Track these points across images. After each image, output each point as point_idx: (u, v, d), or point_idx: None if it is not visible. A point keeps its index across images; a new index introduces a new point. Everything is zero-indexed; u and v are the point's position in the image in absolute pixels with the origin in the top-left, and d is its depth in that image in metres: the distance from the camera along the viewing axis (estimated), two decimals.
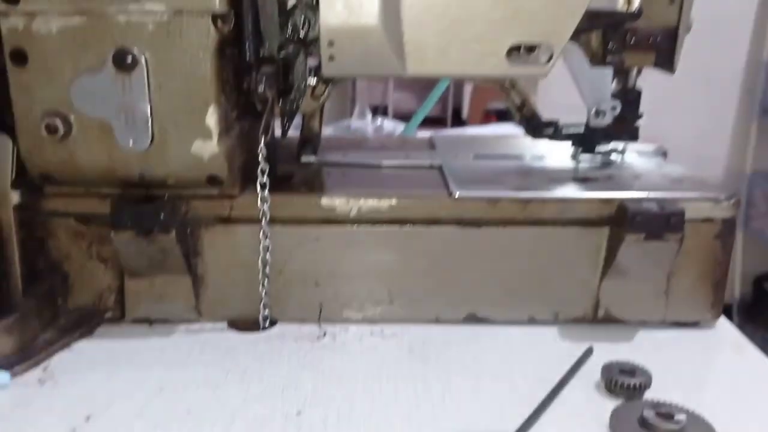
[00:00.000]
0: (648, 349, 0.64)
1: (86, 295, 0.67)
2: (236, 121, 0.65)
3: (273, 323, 0.67)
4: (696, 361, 0.62)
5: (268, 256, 0.64)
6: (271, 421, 0.52)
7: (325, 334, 0.65)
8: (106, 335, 0.65)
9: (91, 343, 0.64)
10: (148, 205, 0.61)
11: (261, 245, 0.64)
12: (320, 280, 0.67)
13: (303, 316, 0.67)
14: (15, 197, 0.62)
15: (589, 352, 0.62)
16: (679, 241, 0.63)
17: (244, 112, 0.67)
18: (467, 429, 0.51)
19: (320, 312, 0.67)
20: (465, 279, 0.67)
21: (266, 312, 0.66)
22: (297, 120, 0.74)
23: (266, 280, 0.65)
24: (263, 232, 0.64)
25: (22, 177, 0.62)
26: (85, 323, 0.65)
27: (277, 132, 0.70)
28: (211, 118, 0.60)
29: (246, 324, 0.66)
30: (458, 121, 3.22)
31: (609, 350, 0.63)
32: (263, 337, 0.65)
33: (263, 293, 0.65)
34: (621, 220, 0.64)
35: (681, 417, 0.50)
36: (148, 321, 0.67)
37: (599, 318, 0.68)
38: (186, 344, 0.63)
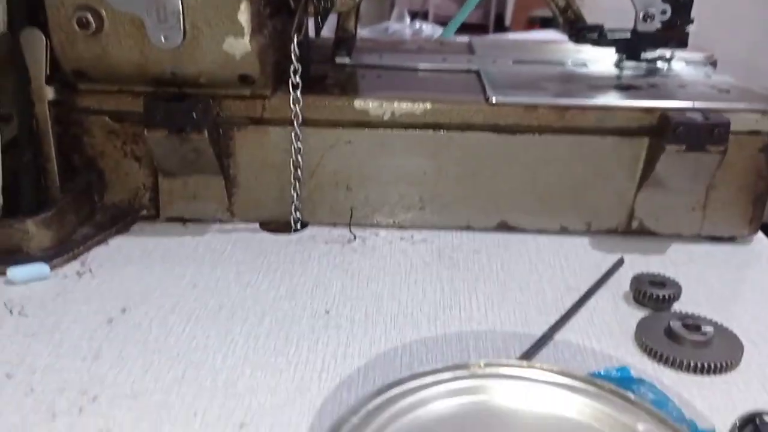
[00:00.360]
0: (680, 262, 0.63)
1: (121, 192, 0.68)
2: (269, 19, 0.64)
3: (304, 226, 0.67)
4: (728, 276, 0.61)
5: (299, 158, 0.64)
6: (300, 318, 0.53)
7: (355, 238, 0.66)
8: (141, 233, 0.66)
9: (127, 239, 0.65)
10: (180, 104, 0.61)
11: (293, 147, 0.64)
12: (351, 183, 0.66)
13: (334, 220, 0.68)
14: (50, 93, 0.62)
15: (619, 263, 0.61)
16: (722, 154, 0.61)
17: (277, 10, 0.65)
18: (492, 331, 0.52)
19: (351, 216, 0.67)
20: (498, 186, 0.66)
21: (297, 214, 0.66)
22: (332, 20, 0.72)
23: (297, 182, 0.65)
24: (295, 134, 0.63)
25: (56, 73, 0.62)
26: (120, 220, 0.67)
27: (311, 32, 0.69)
28: (243, 15, 0.59)
29: (277, 225, 0.67)
30: (501, 27, 3.12)
31: (640, 262, 0.62)
32: (294, 239, 0.66)
33: (294, 195, 0.65)
34: (662, 131, 0.62)
35: (708, 329, 0.50)
36: (182, 220, 0.68)
37: (633, 230, 0.67)
38: (219, 243, 0.65)
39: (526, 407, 0.24)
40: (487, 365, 0.26)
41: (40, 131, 0.62)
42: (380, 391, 0.25)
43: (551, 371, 0.26)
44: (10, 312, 0.53)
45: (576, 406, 0.24)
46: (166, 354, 0.49)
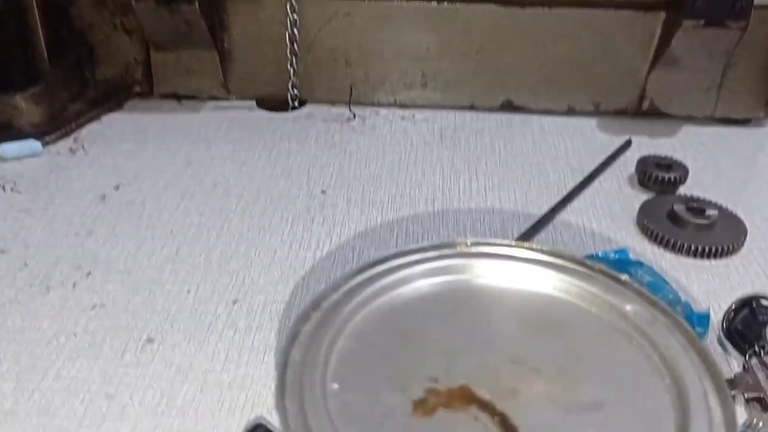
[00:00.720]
0: (690, 144, 0.61)
1: (113, 67, 0.65)
2: None
3: (302, 104, 0.65)
4: (739, 159, 0.59)
5: (296, 31, 0.61)
6: (296, 197, 0.52)
7: (354, 117, 0.64)
8: (135, 109, 0.64)
9: (121, 116, 0.64)
10: None
11: (288, 19, 0.61)
12: (351, 59, 0.64)
13: (333, 98, 0.65)
14: None
15: (627, 145, 0.59)
16: (743, 30, 0.57)
17: None
18: (491, 212, 0.51)
19: (350, 94, 0.65)
20: (504, 63, 0.63)
21: (295, 92, 0.64)
22: None
23: (294, 57, 0.62)
24: (290, 5, 0.60)
25: None
26: (113, 96, 0.65)
27: None
28: None
29: (274, 103, 0.65)
30: None
31: (649, 144, 0.60)
32: (291, 117, 0.64)
33: (291, 72, 0.63)
34: (679, 4, 0.58)
35: (712, 212, 0.49)
36: (177, 96, 0.66)
37: (643, 111, 0.64)
38: (214, 121, 0.63)
39: (511, 286, 0.24)
40: (473, 244, 0.25)
41: (24, 3, 0.59)
42: (362, 269, 0.24)
43: (540, 251, 0.25)
44: (3, 188, 0.53)
45: (563, 285, 0.24)
46: (159, 231, 0.48)
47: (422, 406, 0.19)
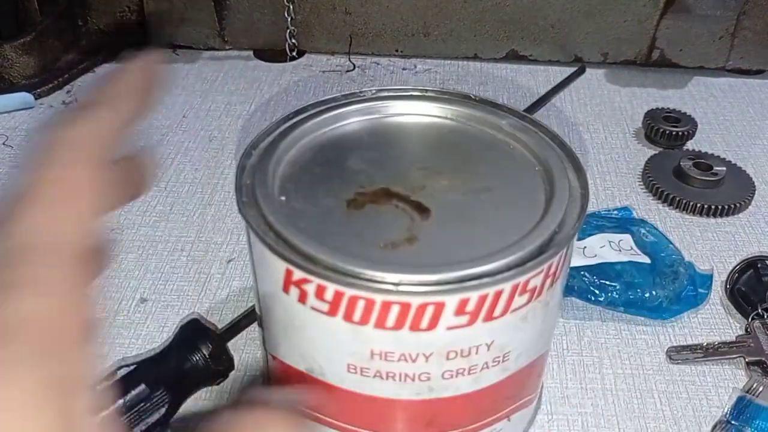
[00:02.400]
0: (700, 97, 0.59)
1: (106, 16, 0.63)
2: None
3: (300, 54, 0.63)
4: (750, 113, 0.58)
5: None
6: None
7: (354, 67, 0.62)
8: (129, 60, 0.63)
9: (115, 67, 0.62)
10: None
11: None
12: (350, 7, 0.61)
13: (332, 48, 0.63)
14: None
15: (580, 71, 0.59)
16: None
17: None
18: None
19: (350, 43, 0.63)
20: (508, 11, 0.61)
21: (293, 41, 0.62)
22: None
23: (291, 5, 0.60)
24: None
25: None
26: (107, 47, 0.63)
27: None
28: None
29: (272, 54, 0.63)
30: None
31: (657, 97, 0.59)
32: (289, 68, 0.62)
33: (289, 20, 0.61)
34: None
35: (720, 169, 0.47)
36: (172, 46, 0.64)
37: (652, 61, 0.62)
38: (210, 72, 0.61)
39: (413, 120, 0.31)
40: (378, 91, 0.31)
41: None
42: (288, 117, 0.30)
43: (432, 90, 0.31)
44: None
45: (452, 113, 0.31)
46: (154, 186, 0.48)
47: (353, 204, 0.26)
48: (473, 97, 0.31)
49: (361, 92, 0.31)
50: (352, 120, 0.30)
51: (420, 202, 0.26)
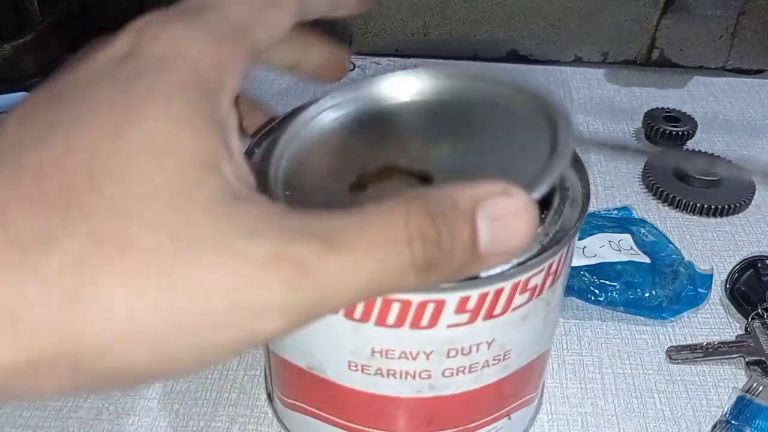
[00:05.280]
0: (700, 97, 0.59)
1: (107, 17, 0.63)
2: None
3: None
4: (750, 113, 0.58)
5: None
6: None
7: (354, 67, 0.62)
8: None
9: None
10: None
11: None
12: None
13: None
14: None
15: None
16: None
17: None
18: None
19: (350, 43, 0.63)
20: (508, 11, 0.61)
21: None
22: None
23: None
24: None
25: None
26: None
27: None
28: None
29: None
30: None
31: (657, 96, 0.59)
32: None
33: None
34: None
35: (720, 170, 0.48)
36: None
37: (652, 61, 0.62)
38: None
39: (409, 98, 0.29)
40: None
41: None
42: (288, 115, 0.29)
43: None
44: None
45: (439, 87, 0.29)
46: None
47: (357, 187, 0.25)
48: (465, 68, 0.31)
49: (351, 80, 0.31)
50: (348, 108, 0.29)
51: (422, 170, 0.25)
